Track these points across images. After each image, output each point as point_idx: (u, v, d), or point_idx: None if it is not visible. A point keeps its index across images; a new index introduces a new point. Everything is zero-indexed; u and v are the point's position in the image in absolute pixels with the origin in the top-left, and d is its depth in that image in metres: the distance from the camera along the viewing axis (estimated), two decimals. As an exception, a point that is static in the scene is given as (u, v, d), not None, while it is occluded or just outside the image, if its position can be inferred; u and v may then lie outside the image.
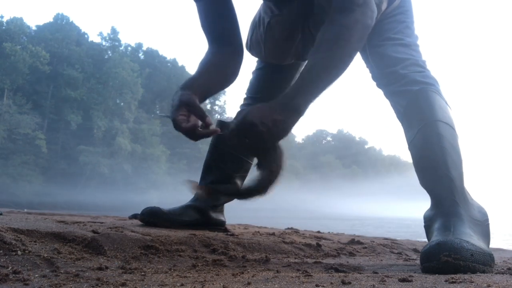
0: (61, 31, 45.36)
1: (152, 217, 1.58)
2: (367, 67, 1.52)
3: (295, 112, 1.10)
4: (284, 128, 1.09)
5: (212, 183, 1.71)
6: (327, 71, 1.13)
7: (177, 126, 1.18)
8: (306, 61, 1.22)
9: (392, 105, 1.45)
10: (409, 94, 1.35)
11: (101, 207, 28.28)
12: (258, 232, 1.76)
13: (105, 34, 50.80)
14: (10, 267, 0.89)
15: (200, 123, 1.19)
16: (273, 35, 1.51)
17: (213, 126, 1.21)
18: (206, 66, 1.39)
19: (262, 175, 1.13)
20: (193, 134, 1.18)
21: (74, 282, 0.82)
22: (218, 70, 1.39)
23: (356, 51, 1.18)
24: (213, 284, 0.82)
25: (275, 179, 1.13)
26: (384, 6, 1.40)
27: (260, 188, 1.14)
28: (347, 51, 1.15)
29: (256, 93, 1.75)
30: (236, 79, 1.48)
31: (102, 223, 1.60)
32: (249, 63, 1.87)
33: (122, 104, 45.83)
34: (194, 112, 1.19)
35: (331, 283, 0.81)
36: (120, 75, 43.73)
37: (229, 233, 1.61)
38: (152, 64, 52.65)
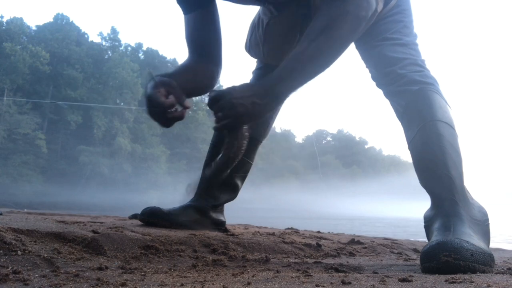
0: (61, 31, 45.32)
1: (152, 217, 1.58)
2: (367, 67, 1.52)
3: (276, 98, 1.10)
4: (261, 112, 1.09)
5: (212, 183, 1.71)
6: (312, 62, 1.11)
7: (155, 102, 1.14)
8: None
9: (391, 105, 1.45)
10: (408, 94, 1.35)
11: (101, 207, 28.26)
12: (258, 232, 1.76)
13: (105, 34, 50.81)
14: (10, 267, 0.89)
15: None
16: (272, 36, 1.51)
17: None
18: (184, 68, 1.39)
19: (221, 159, 1.16)
20: (168, 115, 1.15)
21: (74, 282, 0.82)
22: (194, 77, 1.38)
23: (346, 43, 1.15)
24: (213, 284, 0.82)
25: (231, 164, 1.15)
26: (380, 7, 1.40)
27: (218, 171, 1.17)
28: (335, 42, 1.12)
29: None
30: (209, 91, 1.48)
31: (102, 223, 1.60)
32: (249, 63, 1.88)
33: (122, 104, 45.81)
34: (174, 93, 1.17)
35: (331, 283, 0.81)
36: (120, 75, 43.71)
37: (229, 233, 1.61)
38: (152, 64, 52.57)
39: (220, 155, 1.17)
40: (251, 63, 1.80)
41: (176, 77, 1.29)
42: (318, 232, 2.17)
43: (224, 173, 1.19)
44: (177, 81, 1.24)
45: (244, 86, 1.11)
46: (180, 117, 1.19)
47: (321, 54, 1.11)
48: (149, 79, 1.20)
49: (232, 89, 1.10)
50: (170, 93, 1.18)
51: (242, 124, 1.11)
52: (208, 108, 1.15)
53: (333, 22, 1.11)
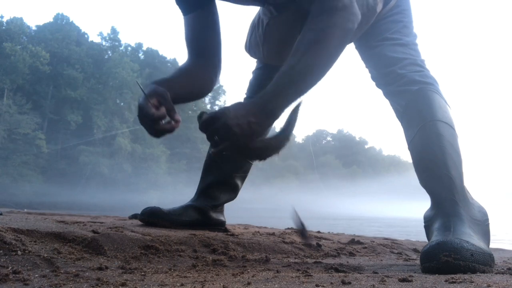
0: (61, 31, 45.32)
1: (152, 217, 1.58)
2: (366, 67, 1.52)
3: (271, 116, 1.08)
4: (258, 130, 1.07)
5: (212, 183, 1.72)
6: (303, 77, 1.10)
7: (145, 112, 1.15)
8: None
9: (391, 105, 1.45)
10: (408, 94, 1.35)
11: (101, 207, 28.25)
12: (258, 232, 1.76)
13: (105, 34, 50.83)
14: (10, 267, 0.89)
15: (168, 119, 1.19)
16: (272, 37, 1.51)
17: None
18: (182, 72, 1.39)
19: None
20: (157, 127, 1.16)
21: (74, 282, 0.82)
22: (192, 81, 1.39)
23: (334, 56, 1.14)
24: (213, 284, 0.82)
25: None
26: (379, 7, 1.40)
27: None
28: (324, 56, 1.12)
29: (256, 92, 1.75)
30: (207, 95, 1.48)
31: (102, 223, 1.60)
32: (249, 63, 1.88)
33: (122, 104, 45.80)
34: (165, 105, 1.18)
35: (331, 283, 0.81)
36: (120, 75, 43.69)
37: (229, 233, 1.61)
38: (152, 64, 52.56)
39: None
40: (251, 63, 1.80)
41: (174, 82, 1.30)
42: (318, 232, 2.17)
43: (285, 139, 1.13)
44: (174, 87, 1.25)
45: (237, 106, 1.09)
46: (170, 130, 1.20)
47: (311, 68, 1.11)
48: (141, 90, 1.20)
49: (226, 110, 1.07)
50: (162, 104, 1.18)
51: (239, 145, 1.08)
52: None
53: (320, 36, 1.11)
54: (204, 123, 1.09)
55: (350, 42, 1.49)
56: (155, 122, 1.16)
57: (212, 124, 1.07)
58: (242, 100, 1.81)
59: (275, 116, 1.09)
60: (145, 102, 1.17)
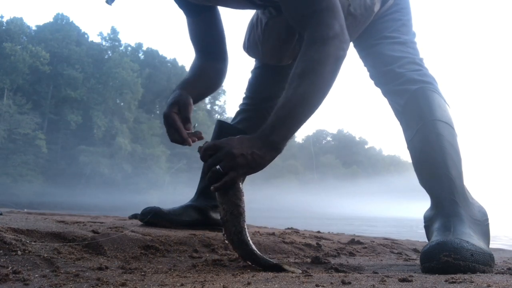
0: (61, 31, 45.26)
1: (152, 217, 1.58)
2: (365, 65, 1.52)
3: (273, 149, 1.08)
4: (261, 163, 1.07)
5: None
6: (301, 107, 1.10)
7: (171, 121, 1.31)
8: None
9: (390, 103, 1.45)
10: (407, 93, 1.35)
11: (101, 207, 28.21)
12: (258, 232, 1.76)
13: (105, 34, 50.73)
14: (10, 267, 0.89)
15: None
16: (271, 36, 1.51)
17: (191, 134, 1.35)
18: (197, 71, 1.50)
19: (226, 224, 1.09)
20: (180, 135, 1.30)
21: (74, 282, 0.82)
22: (208, 76, 1.50)
23: (330, 84, 1.14)
24: (213, 284, 0.82)
25: (241, 219, 1.08)
26: (376, 7, 1.40)
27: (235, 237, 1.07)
28: (320, 85, 1.12)
29: (255, 92, 1.76)
30: (219, 88, 1.62)
31: (102, 223, 1.60)
32: (247, 63, 1.88)
33: (122, 104, 45.79)
34: (182, 113, 1.32)
35: (331, 283, 0.81)
36: (120, 75, 43.66)
37: (229, 233, 1.61)
38: (152, 64, 52.56)
39: (230, 224, 1.09)
40: (250, 63, 1.80)
41: (194, 82, 1.45)
42: (318, 232, 2.17)
43: (244, 233, 1.07)
44: (195, 87, 1.43)
45: (241, 138, 1.09)
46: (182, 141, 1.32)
47: (307, 98, 1.11)
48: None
49: (230, 140, 1.07)
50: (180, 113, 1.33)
51: (242, 175, 1.07)
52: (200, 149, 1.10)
53: (315, 66, 1.11)
54: (207, 150, 1.07)
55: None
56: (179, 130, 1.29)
57: (215, 152, 1.06)
58: (241, 99, 1.81)
59: (278, 149, 1.09)
60: (168, 111, 1.30)
